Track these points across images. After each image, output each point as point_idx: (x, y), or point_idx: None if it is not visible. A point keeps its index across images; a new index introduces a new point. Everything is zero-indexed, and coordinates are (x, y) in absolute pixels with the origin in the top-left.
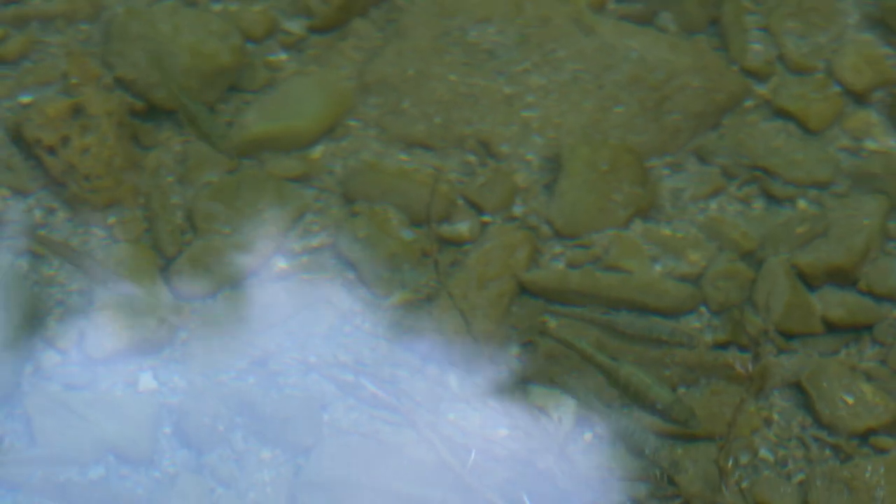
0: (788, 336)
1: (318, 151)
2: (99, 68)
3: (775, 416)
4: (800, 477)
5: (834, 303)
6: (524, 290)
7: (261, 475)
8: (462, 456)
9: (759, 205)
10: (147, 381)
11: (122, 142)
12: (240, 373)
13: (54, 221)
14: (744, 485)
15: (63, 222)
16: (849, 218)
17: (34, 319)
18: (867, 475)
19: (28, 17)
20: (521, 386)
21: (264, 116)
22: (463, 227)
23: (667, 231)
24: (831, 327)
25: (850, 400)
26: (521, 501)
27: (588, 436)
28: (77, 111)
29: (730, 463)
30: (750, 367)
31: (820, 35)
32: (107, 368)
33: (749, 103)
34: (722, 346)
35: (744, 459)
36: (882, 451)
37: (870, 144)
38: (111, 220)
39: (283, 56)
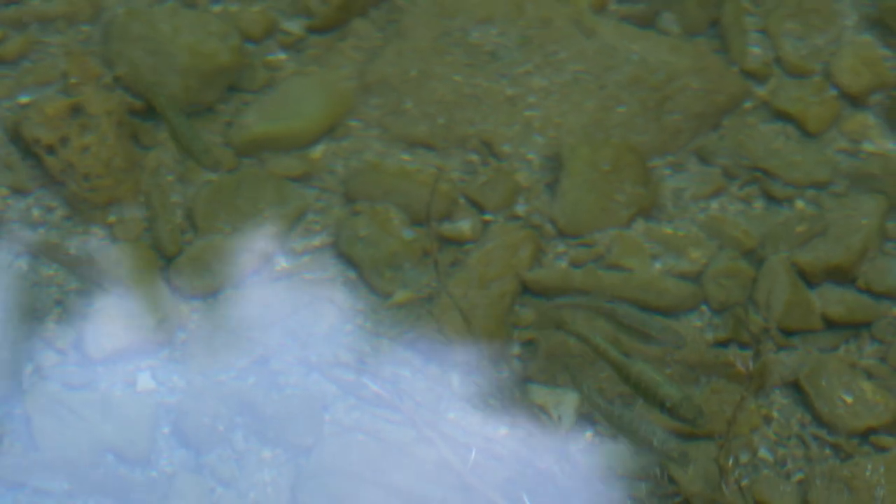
0: (788, 333)
1: (318, 151)
2: (98, 68)
3: (775, 415)
4: (799, 476)
5: (833, 300)
6: (527, 289)
7: (261, 475)
8: (463, 455)
9: (759, 204)
10: (146, 381)
11: (122, 141)
12: (240, 372)
13: (53, 220)
14: (743, 483)
15: (62, 221)
16: (847, 218)
17: (33, 319)
18: (867, 474)
19: (28, 18)
20: (521, 385)
21: (264, 117)
22: (464, 226)
23: (668, 230)
24: (831, 324)
25: (848, 399)
26: (521, 500)
27: (588, 435)
28: (76, 111)
29: (730, 461)
30: (750, 365)
31: (818, 37)
32: (106, 368)
33: (749, 104)
34: (722, 343)
35: (743, 458)
36: (882, 449)
37: (867, 146)
38: (111, 219)
39: (282, 56)
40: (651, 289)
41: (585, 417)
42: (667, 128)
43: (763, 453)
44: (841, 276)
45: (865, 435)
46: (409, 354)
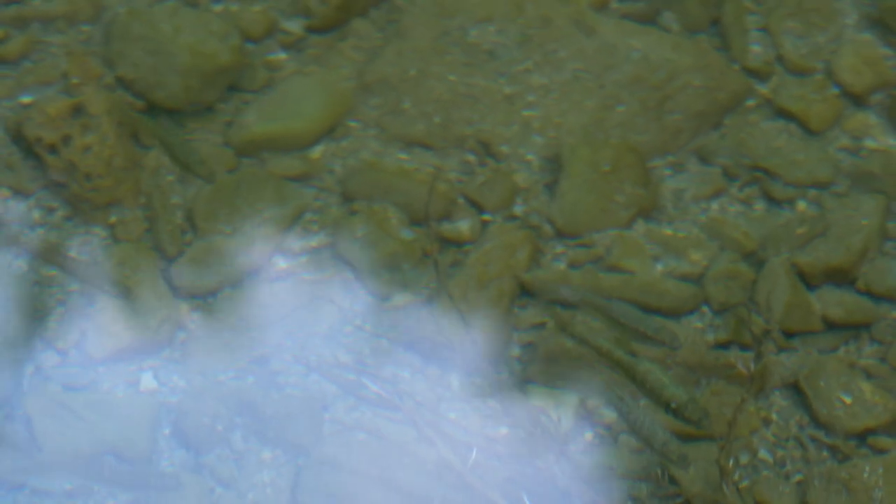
0: (788, 334)
1: (317, 151)
2: (100, 68)
3: (774, 416)
4: (798, 477)
5: (833, 302)
6: (525, 290)
7: (261, 475)
8: (463, 455)
9: (759, 205)
10: (147, 381)
11: (123, 141)
12: (240, 373)
13: (54, 221)
14: (743, 484)
15: (63, 222)
16: (848, 218)
17: (34, 320)
18: (865, 475)
19: (29, 18)
20: (521, 386)
21: (264, 116)
22: (463, 226)
23: (668, 231)
24: (830, 326)
25: (847, 400)
26: (521, 500)
27: (588, 435)
28: (77, 110)
29: (730, 462)
30: (752, 367)
31: (819, 35)
32: (107, 369)
33: (750, 103)
34: (723, 345)
35: (743, 459)
36: (881, 451)
37: (869, 144)
38: (112, 219)
39: (282, 56)
40: (652, 290)
41: (585, 418)
42: (667, 127)
43: (763, 454)
44: (841, 277)
45: (864, 436)
46: (409, 355)
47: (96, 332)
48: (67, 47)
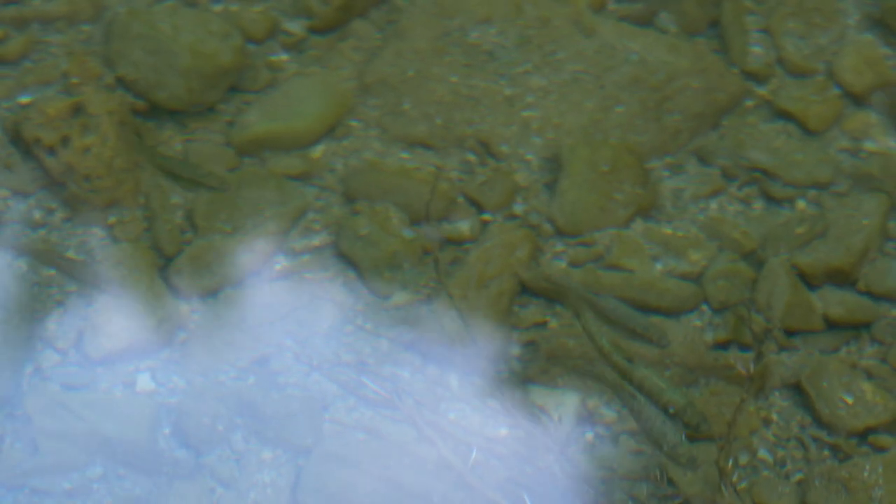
0: (789, 334)
1: (318, 151)
2: (100, 68)
3: (774, 416)
4: (798, 477)
5: (833, 302)
6: (525, 288)
7: (261, 475)
8: (463, 455)
9: (759, 205)
10: (146, 381)
11: (123, 141)
12: (240, 372)
13: (54, 222)
14: (743, 485)
15: (62, 223)
16: (848, 218)
17: (34, 320)
18: (865, 475)
19: (28, 18)
20: (521, 385)
21: (265, 116)
22: (463, 226)
23: (668, 230)
24: (831, 325)
25: (849, 399)
26: (521, 500)
27: (588, 435)
28: (77, 110)
29: (729, 463)
30: (751, 367)
31: (820, 36)
32: (106, 369)
33: (749, 104)
34: (723, 345)
35: (743, 460)
36: (881, 449)
37: (869, 145)
38: (111, 219)
39: (283, 56)
40: (651, 289)
41: (585, 418)
42: (666, 128)
43: (762, 454)
44: (841, 277)
45: (865, 435)
46: (409, 354)
47: (95, 331)
48: (67, 47)
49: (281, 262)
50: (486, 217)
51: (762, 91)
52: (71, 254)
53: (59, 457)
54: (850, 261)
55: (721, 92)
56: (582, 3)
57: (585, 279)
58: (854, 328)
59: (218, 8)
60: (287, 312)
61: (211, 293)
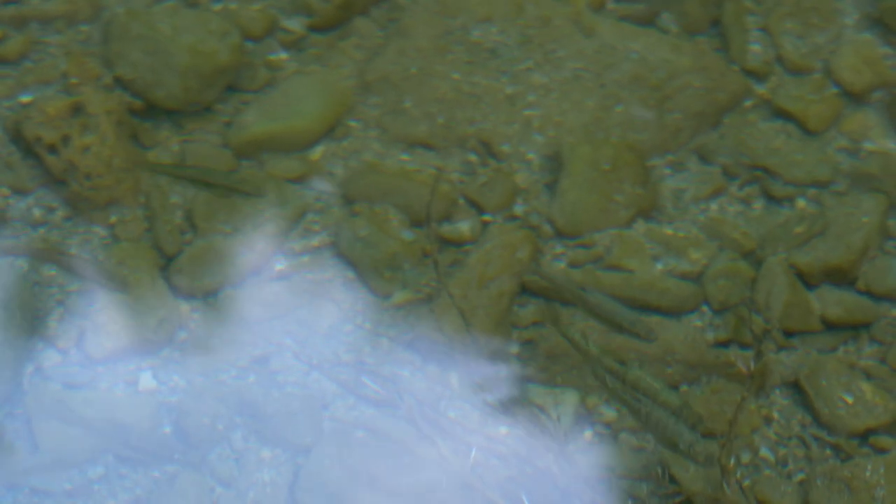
0: (788, 334)
1: (318, 152)
2: (99, 67)
3: (775, 415)
4: (800, 476)
5: (832, 302)
6: (525, 289)
7: (261, 474)
8: (463, 454)
9: (759, 205)
10: (147, 380)
11: (122, 141)
12: (240, 372)
13: (54, 220)
14: (745, 483)
15: (63, 221)
16: (847, 217)
17: (34, 319)
18: (867, 474)
19: (28, 18)
20: (520, 385)
21: (264, 116)
22: (464, 227)
23: (668, 230)
24: (830, 325)
25: (849, 399)
26: (520, 500)
27: (588, 434)
28: (77, 110)
29: (731, 461)
30: (752, 365)
31: (818, 35)
32: (107, 368)
33: (749, 103)
34: (723, 344)
35: (745, 458)
36: (882, 450)
37: (868, 145)
38: (112, 219)
39: (283, 55)
40: (651, 289)
41: (585, 417)
42: (667, 127)
43: (764, 453)
44: (841, 276)
45: (865, 436)
46: (409, 353)
47: (96, 331)
48: (66, 47)
49: (281, 263)
50: (487, 218)
51: (762, 90)
52: (73, 251)
53: (59, 456)
54: (849, 259)
55: (722, 91)
56: (582, 2)
57: (585, 279)
58: (853, 328)
59: (217, 7)
60: (287, 312)
61: (211, 293)
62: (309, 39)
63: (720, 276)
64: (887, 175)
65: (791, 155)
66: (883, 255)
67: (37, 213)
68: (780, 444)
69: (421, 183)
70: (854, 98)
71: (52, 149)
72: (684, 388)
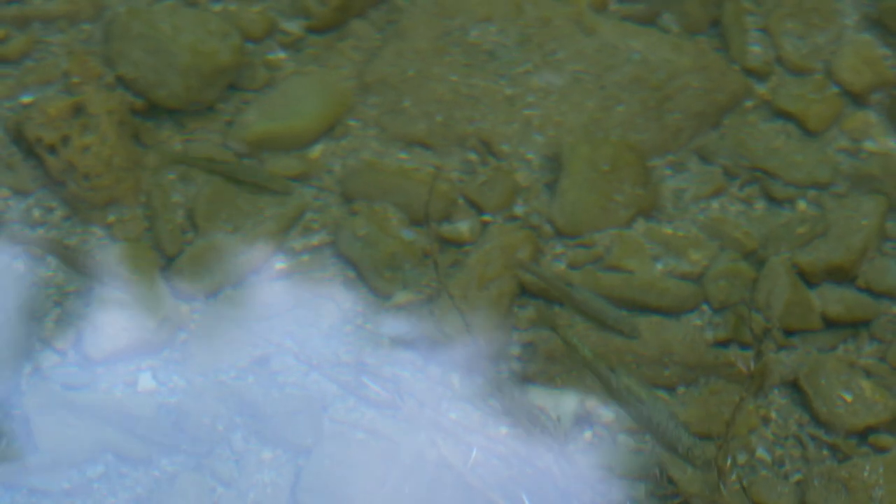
0: (788, 333)
1: (317, 151)
2: (100, 67)
3: (773, 415)
4: (797, 476)
5: (833, 299)
6: (525, 290)
7: (261, 475)
8: (463, 454)
9: (760, 205)
10: (146, 381)
11: (123, 141)
12: (240, 372)
13: (53, 220)
14: (742, 484)
15: (62, 221)
16: (848, 218)
17: (33, 320)
18: (865, 474)
19: (29, 17)
20: (521, 386)
21: (264, 116)
22: (463, 227)
23: (668, 230)
24: (830, 324)
25: (848, 398)
26: (520, 500)
27: (588, 435)
28: (78, 110)
29: (728, 462)
30: (751, 365)
31: (818, 36)
32: (106, 368)
33: (749, 103)
34: (723, 344)
35: (742, 459)
36: (882, 449)
37: (869, 145)
38: (111, 218)
39: (282, 56)
40: (651, 289)
41: (584, 418)
42: (667, 127)
43: (761, 453)
44: (841, 276)
45: (864, 434)
46: (409, 354)
47: (95, 331)
48: (68, 47)
49: (281, 262)
50: (486, 218)
51: (762, 90)
52: (75, 244)
53: (58, 456)
54: (850, 258)
55: (722, 91)
56: (583, 2)
57: (584, 282)
58: (853, 326)
59: (217, 7)
60: (287, 312)
61: (211, 293)
62: (307, 41)
63: (721, 276)
64: (887, 175)
65: (791, 155)
66: (882, 257)
67: (36, 213)
68: (777, 444)
69: (420, 182)
70: (854, 98)
71: (52, 149)
72: (682, 389)
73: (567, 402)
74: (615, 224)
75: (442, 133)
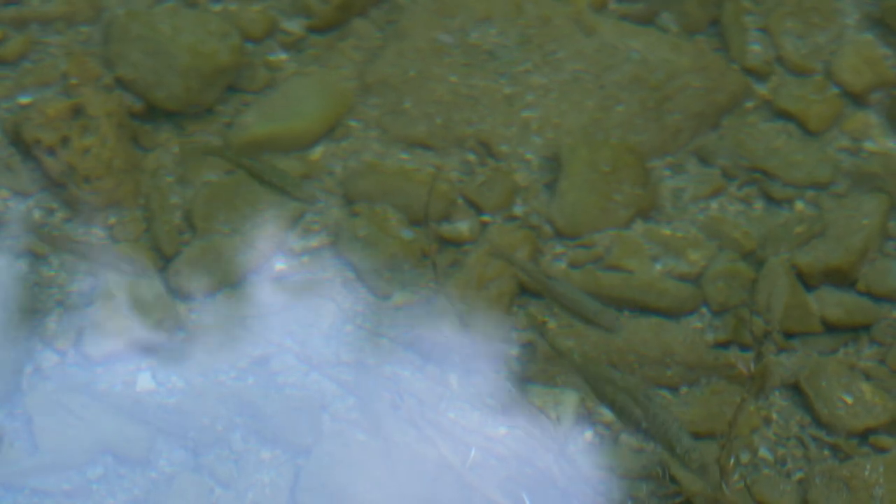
0: (788, 335)
1: (317, 152)
2: (99, 68)
3: (774, 416)
4: (799, 475)
5: (832, 303)
6: (524, 290)
7: (260, 475)
8: (462, 454)
9: (759, 205)
10: (146, 381)
11: (122, 143)
12: (239, 372)
13: (53, 222)
14: (745, 483)
15: (62, 223)
16: (847, 218)
17: (33, 320)
18: (866, 474)
19: (28, 19)
20: (520, 385)
21: (264, 117)
22: (463, 227)
23: (667, 231)
24: (830, 327)
25: (849, 400)
26: (520, 500)
27: (588, 435)
28: (77, 112)
29: (731, 461)
30: (752, 367)
31: (819, 35)
32: (105, 369)
33: (749, 104)
34: (723, 345)
35: (744, 458)
36: (882, 450)
37: (869, 145)
38: (111, 220)
39: (282, 56)
40: (651, 290)
41: (585, 418)
42: (667, 127)
43: (763, 453)
44: (840, 277)
45: (864, 435)
46: (409, 354)
47: (95, 332)
48: (67, 48)
49: (280, 263)
50: (486, 218)
51: (762, 91)
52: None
53: (59, 457)
54: (849, 260)
55: (721, 91)
56: (583, 2)
57: (584, 282)
58: (853, 329)
59: (217, 7)
60: (287, 312)
61: (210, 294)
62: (308, 41)
63: (719, 277)
64: (888, 174)
65: (791, 155)
66: (883, 257)
67: (36, 214)
68: (778, 444)
69: (420, 182)
70: (854, 98)
71: (51, 151)
72: (684, 389)
73: (567, 402)
74: (614, 224)
75: (442, 134)
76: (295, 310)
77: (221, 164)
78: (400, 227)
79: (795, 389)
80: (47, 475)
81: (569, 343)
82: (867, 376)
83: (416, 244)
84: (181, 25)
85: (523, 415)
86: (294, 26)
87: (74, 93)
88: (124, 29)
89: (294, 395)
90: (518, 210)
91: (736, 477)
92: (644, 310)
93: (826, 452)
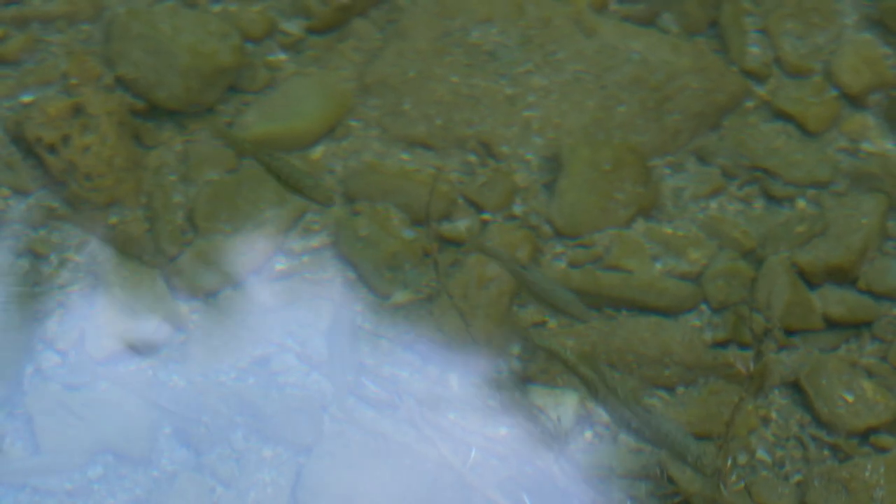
0: (789, 333)
1: (318, 152)
2: (99, 67)
3: (773, 415)
4: (798, 477)
5: (834, 300)
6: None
7: (261, 474)
8: (462, 454)
9: (759, 204)
10: (146, 380)
11: (123, 141)
12: (240, 372)
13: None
14: (739, 486)
15: (63, 222)
16: (847, 217)
17: (34, 320)
18: (866, 475)
19: (29, 18)
20: (520, 385)
21: (264, 117)
22: (463, 226)
23: (668, 230)
24: (831, 324)
25: (849, 398)
26: (521, 500)
27: (588, 435)
28: (78, 110)
29: (728, 462)
30: (751, 366)
31: (818, 36)
32: (107, 369)
33: (749, 104)
34: (722, 344)
35: (742, 459)
36: (883, 450)
37: (867, 146)
38: (112, 219)
39: (282, 56)
40: (651, 289)
41: (585, 418)
42: (667, 128)
43: (761, 454)
44: (841, 276)
45: (865, 434)
46: (409, 354)
47: (96, 332)
48: (67, 47)
49: (281, 263)
50: (486, 217)
51: (761, 91)
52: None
53: (59, 457)
54: (849, 259)
55: (721, 92)
56: (583, 3)
57: (584, 281)
58: (854, 327)
59: (217, 8)
60: (287, 312)
61: (211, 293)
62: (307, 41)
63: (719, 275)
64: (888, 174)
65: (791, 155)
66: (882, 256)
67: (36, 213)
68: (777, 444)
69: (421, 182)
70: (853, 99)
71: (52, 149)
72: (681, 389)
73: (567, 402)
74: (614, 224)
75: (442, 135)
76: (295, 309)
77: (223, 163)
78: (401, 226)
79: (795, 388)
80: (48, 475)
81: (569, 342)
82: (869, 373)
83: (418, 243)
84: (181, 26)
85: (523, 415)
86: (293, 27)
87: (75, 92)
88: (125, 27)
89: (294, 395)
90: (518, 210)
91: (734, 478)
92: (644, 309)
93: (826, 452)
